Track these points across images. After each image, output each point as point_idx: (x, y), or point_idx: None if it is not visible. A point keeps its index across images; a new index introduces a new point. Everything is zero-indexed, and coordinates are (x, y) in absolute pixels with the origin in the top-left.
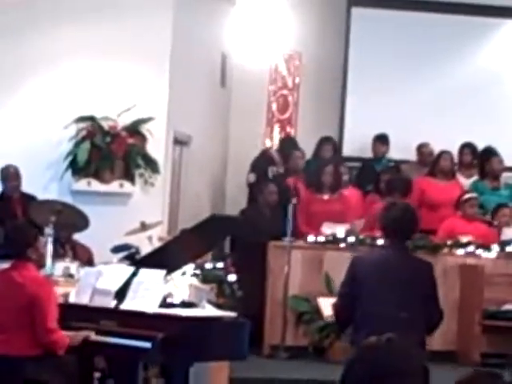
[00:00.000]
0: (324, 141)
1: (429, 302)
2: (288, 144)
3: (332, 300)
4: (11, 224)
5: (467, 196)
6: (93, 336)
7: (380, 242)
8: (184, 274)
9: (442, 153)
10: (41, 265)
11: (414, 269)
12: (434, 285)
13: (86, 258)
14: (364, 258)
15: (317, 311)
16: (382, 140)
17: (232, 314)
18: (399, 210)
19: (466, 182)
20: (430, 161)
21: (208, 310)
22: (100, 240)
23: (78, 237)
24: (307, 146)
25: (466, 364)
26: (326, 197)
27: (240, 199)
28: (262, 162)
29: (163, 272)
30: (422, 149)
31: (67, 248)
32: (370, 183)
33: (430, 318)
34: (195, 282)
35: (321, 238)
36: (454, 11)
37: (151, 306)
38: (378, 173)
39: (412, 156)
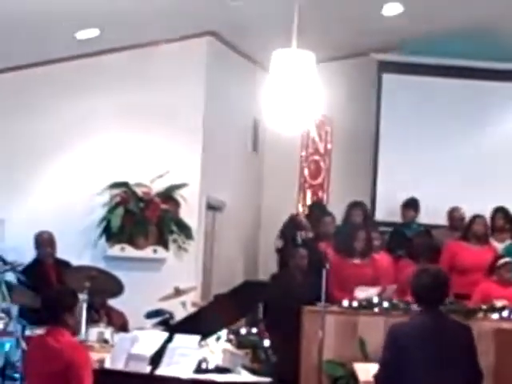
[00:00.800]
0: (353, 206)
1: (471, 364)
2: (317, 209)
3: (368, 365)
4: (51, 289)
5: (504, 261)
6: None
7: (414, 306)
8: (219, 339)
9: (476, 217)
10: (76, 331)
11: (454, 332)
12: (475, 346)
13: (120, 324)
14: (402, 325)
15: (352, 376)
16: (411, 205)
17: (267, 380)
18: (430, 275)
19: (499, 246)
20: (461, 225)
21: (243, 376)
22: (134, 305)
23: (112, 302)
24: (339, 211)
25: None
26: (357, 261)
27: (272, 265)
28: (290, 227)
29: (198, 337)
30: (453, 213)
31: (102, 313)
32: (400, 248)
33: (473, 379)
34: (229, 347)
35: (354, 303)
36: (484, 77)
37: (186, 372)
38: (408, 238)
39: (442, 221)
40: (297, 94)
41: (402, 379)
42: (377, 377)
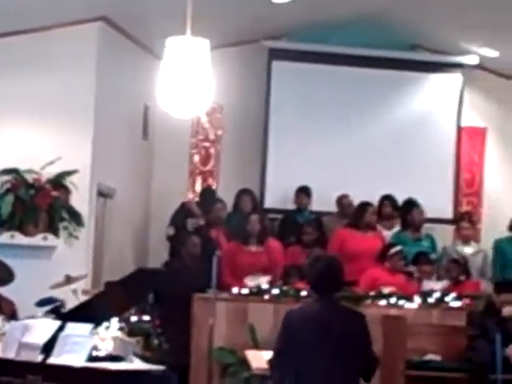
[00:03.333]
0: (242, 193)
1: (364, 351)
2: (207, 195)
3: (260, 352)
4: None
5: (396, 249)
6: None
7: (304, 293)
8: (109, 327)
9: (366, 205)
10: None
11: (346, 320)
12: (368, 333)
13: (9, 312)
14: (295, 312)
15: (242, 363)
16: (304, 192)
17: (159, 368)
18: (324, 263)
19: (387, 233)
20: (349, 212)
21: (135, 364)
22: (24, 293)
23: (1, 290)
24: (229, 197)
25: None
26: (253, 249)
27: (163, 252)
28: (180, 214)
29: (90, 326)
30: (341, 200)
31: None
32: (291, 235)
33: (367, 366)
34: (120, 335)
35: (245, 290)
36: (373, 66)
37: (78, 360)
38: (300, 224)
39: (332, 207)
40: (190, 81)
41: (295, 365)
42: (271, 362)
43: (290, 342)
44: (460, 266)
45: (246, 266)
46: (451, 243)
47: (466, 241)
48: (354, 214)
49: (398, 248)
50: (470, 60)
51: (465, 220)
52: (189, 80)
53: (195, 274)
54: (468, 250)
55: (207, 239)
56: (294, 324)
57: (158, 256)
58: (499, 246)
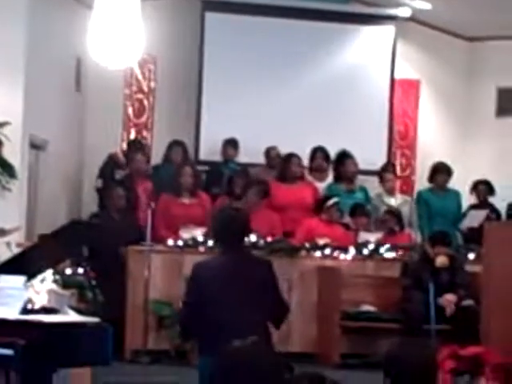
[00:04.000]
0: (173, 144)
1: (272, 299)
2: (134, 147)
3: None
4: None
5: (333, 201)
6: None
7: None
8: (43, 280)
9: (291, 157)
10: None
11: (253, 269)
12: (275, 280)
13: None
14: (203, 264)
15: (178, 315)
16: (231, 144)
17: (94, 320)
18: (228, 214)
19: (319, 185)
20: (277, 163)
21: (70, 316)
22: None
23: None
24: (164, 149)
25: (326, 365)
26: (186, 201)
27: (96, 204)
28: (108, 166)
29: (23, 278)
30: (269, 152)
31: None
32: (217, 186)
33: (276, 313)
34: (55, 287)
35: (180, 242)
36: (307, 17)
37: (12, 313)
38: (228, 176)
39: (260, 160)
40: (121, 30)
41: (203, 317)
42: (180, 315)
43: (199, 294)
44: (394, 216)
45: (179, 218)
46: (376, 194)
47: (391, 192)
48: (280, 166)
49: (334, 200)
50: (403, 12)
51: (389, 171)
52: (120, 28)
53: (122, 226)
54: (393, 201)
55: (131, 191)
56: (201, 276)
57: (91, 208)
58: (421, 198)
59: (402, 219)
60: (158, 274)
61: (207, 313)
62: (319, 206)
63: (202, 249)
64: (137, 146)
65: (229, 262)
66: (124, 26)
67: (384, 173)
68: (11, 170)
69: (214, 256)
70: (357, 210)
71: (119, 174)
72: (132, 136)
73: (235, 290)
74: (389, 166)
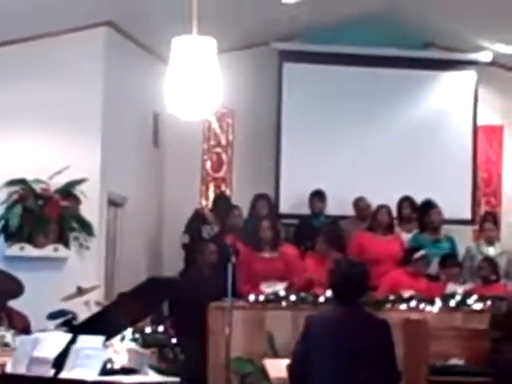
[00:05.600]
0: (259, 198)
1: (387, 363)
2: (221, 202)
3: (279, 361)
4: None
5: (421, 254)
6: None
7: (322, 299)
8: (123, 339)
9: (380, 207)
10: None
11: (367, 328)
12: (392, 344)
13: (22, 326)
14: (316, 317)
15: (261, 372)
16: (318, 196)
17: (175, 380)
18: (346, 267)
19: (405, 236)
20: (367, 215)
21: (150, 376)
22: (36, 306)
23: (13, 304)
24: (243, 203)
25: None
26: (267, 255)
27: (177, 260)
28: (195, 222)
29: (102, 338)
30: (358, 203)
31: (2, 316)
32: (308, 240)
33: (387, 379)
34: (135, 346)
35: (261, 297)
36: (386, 65)
37: (91, 374)
38: (316, 229)
39: (350, 211)
40: (198, 81)
41: (312, 371)
42: (290, 367)
43: (310, 348)
44: (492, 265)
45: (260, 272)
46: (474, 244)
47: (491, 242)
48: (372, 218)
49: (422, 252)
50: (484, 57)
51: (489, 221)
52: (196, 80)
53: (212, 282)
54: (492, 251)
55: (223, 246)
56: (314, 330)
57: (172, 264)
58: None
59: (498, 270)
60: (240, 330)
61: (314, 367)
62: (406, 258)
63: (284, 304)
64: (226, 201)
65: (343, 316)
66: (201, 75)
67: (484, 222)
68: (89, 227)
69: (329, 309)
70: (447, 260)
71: (207, 231)
72: (211, 190)
73: (350, 347)
74: (489, 215)
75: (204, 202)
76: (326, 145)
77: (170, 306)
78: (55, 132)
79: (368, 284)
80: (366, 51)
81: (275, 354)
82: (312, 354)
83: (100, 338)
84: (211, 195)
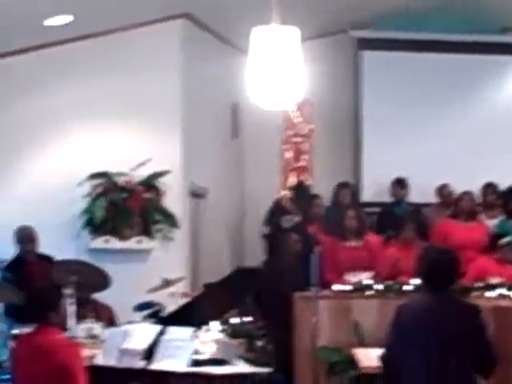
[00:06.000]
0: (341, 187)
1: (478, 349)
2: (302, 191)
3: (368, 350)
4: (32, 287)
5: (507, 240)
6: None
7: (408, 287)
8: (210, 330)
9: (463, 194)
10: (63, 328)
11: (460, 315)
12: (483, 330)
13: (107, 318)
14: (406, 305)
15: (348, 361)
16: (400, 183)
17: (265, 370)
18: (437, 253)
19: (490, 222)
20: (451, 202)
21: (240, 367)
22: (120, 298)
23: (98, 296)
24: (324, 192)
25: None
26: (351, 244)
27: (259, 251)
28: (274, 212)
29: (191, 329)
30: (442, 190)
31: (88, 308)
32: (390, 228)
33: (483, 363)
34: (222, 337)
35: (347, 287)
36: (464, 51)
37: (181, 365)
38: (398, 217)
39: (432, 198)
40: (282, 72)
41: (405, 360)
42: (382, 358)
43: (401, 337)
44: None
45: (345, 261)
46: None
47: None
48: (455, 204)
49: (508, 239)
50: None
51: None
52: (280, 70)
53: (296, 272)
54: None
55: (306, 236)
56: (404, 319)
57: (254, 255)
58: None
59: None
60: (326, 319)
61: (408, 356)
62: (492, 244)
63: (369, 293)
64: (306, 190)
65: (433, 304)
66: (284, 65)
67: None
68: (173, 219)
69: (419, 296)
70: None
71: (287, 220)
72: (291, 180)
73: (441, 335)
74: None
75: (284, 192)
76: (406, 132)
77: (256, 296)
78: (136, 125)
79: (458, 271)
80: (444, 37)
81: (361, 343)
82: (403, 343)
83: (189, 330)
84: (291, 185)
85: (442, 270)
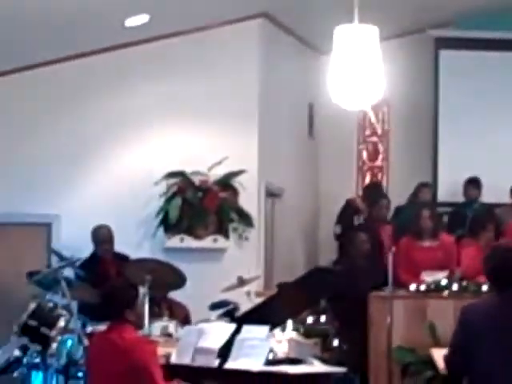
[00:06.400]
0: (422, 186)
1: None
2: (373, 190)
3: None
4: (109, 284)
5: None
6: None
7: (485, 287)
8: (284, 329)
9: None
10: (139, 326)
11: None
12: None
13: (182, 317)
14: (473, 307)
15: (423, 362)
16: (473, 183)
17: (341, 369)
18: (504, 252)
19: None
20: None
21: (316, 366)
22: (195, 297)
23: (172, 295)
24: (400, 193)
25: None
26: (427, 244)
27: (332, 250)
28: (347, 212)
29: (267, 328)
30: None
31: (163, 307)
32: (460, 228)
33: None
34: (296, 336)
35: (422, 287)
36: None
37: (257, 364)
38: (471, 218)
39: (505, 199)
40: (361, 71)
41: (474, 363)
42: (447, 360)
43: (467, 339)
44: None
45: (420, 261)
46: None
47: None
48: None
49: None
50: None
51: None
52: (360, 70)
53: (366, 272)
54: None
55: (373, 235)
56: (470, 320)
57: (329, 255)
58: None
59: None
60: (401, 319)
61: (476, 361)
62: None
63: (445, 293)
64: (378, 190)
65: (502, 305)
66: (364, 64)
67: None
68: (248, 218)
69: (485, 298)
70: None
71: (359, 220)
72: (367, 180)
73: (508, 335)
74: None
75: (360, 193)
76: (484, 132)
77: (330, 297)
78: (212, 124)
79: None
80: None
81: (437, 344)
82: (470, 347)
83: (264, 329)
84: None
85: (509, 268)
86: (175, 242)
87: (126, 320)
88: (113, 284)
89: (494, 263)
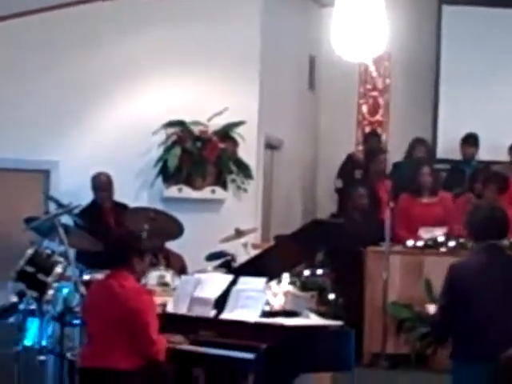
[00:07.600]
0: (417, 142)
1: None
2: (372, 141)
3: None
4: (111, 233)
5: None
6: (192, 346)
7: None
8: (280, 281)
9: None
10: (142, 278)
11: None
12: None
13: (178, 267)
14: (460, 264)
15: (418, 318)
16: (470, 141)
17: (337, 323)
18: (486, 210)
19: None
20: None
21: (312, 319)
22: (192, 247)
23: (169, 244)
24: (399, 147)
25: None
26: (425, 200)
27: (330, 204)
28: (348, 166)
29: (264, 279)
30: None
31: (160, 256)
32: (458, 186)
33: None
34: (292, 289)
35: (420, 243)
36: None
37: (253, 315)
38: (471, 174)
39: (504, 157)
40: (364, 24)
41: (460, 321)
42: (435, 321)
43: (455, 297)
44: None
45: (418, 218)
46: None
47: None
48: None
49: None
50: None
51: None
52: (363, 21)
53: (364, 226)
54: None
55: (373, 189)
56: (457, 278)
57: (326, 208)
58: None
59: None
60: (397, 275)
61: (464, 317)
62: None
63: (442, 250)
64: (377, 141)
65: (487, 262)
66: (367, 15)
67: None
68: (247, 170)
69: (470, 256)
70: None
71: (360, 174)
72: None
73: (496, 293)
74: None
75: (360, 147)
76: (485, 89)
77: (328, 250)
78: (213, 74)
79: (507, 226)
80: None
81: (432, 300)
82: (460, 306)
83: (261, 280)
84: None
85: (490, 226)
86: (173, 191)
87: (132, 268)
88: (124, 230)
89: (477, 219)
